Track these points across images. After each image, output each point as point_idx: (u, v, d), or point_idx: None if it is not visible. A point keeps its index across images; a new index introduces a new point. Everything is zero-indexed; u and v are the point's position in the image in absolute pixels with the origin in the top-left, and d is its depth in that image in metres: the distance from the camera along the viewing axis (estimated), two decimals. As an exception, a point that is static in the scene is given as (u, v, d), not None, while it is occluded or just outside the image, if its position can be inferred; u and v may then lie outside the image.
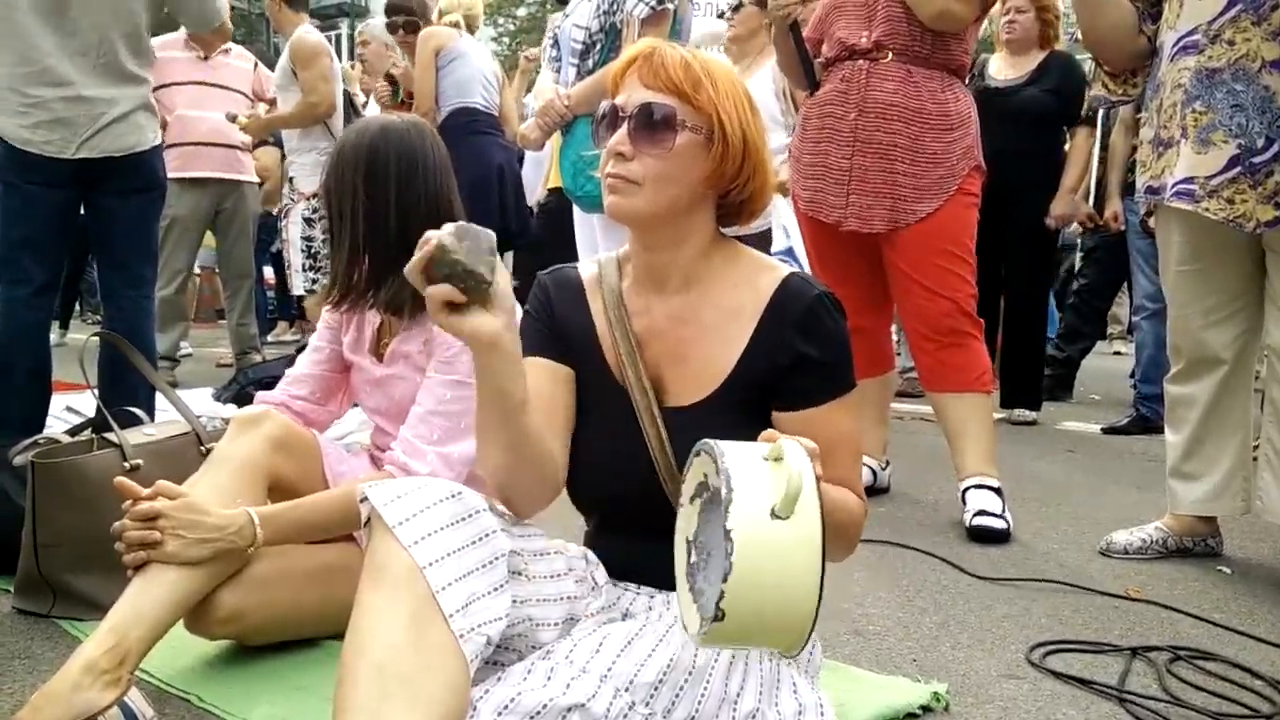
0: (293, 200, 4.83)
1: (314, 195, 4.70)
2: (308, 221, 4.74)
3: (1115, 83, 2.39)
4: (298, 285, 4.87)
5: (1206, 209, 2.10)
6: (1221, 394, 2.29)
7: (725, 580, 0.86)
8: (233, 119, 4.64)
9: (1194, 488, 2.35)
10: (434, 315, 1.04)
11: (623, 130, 1.19)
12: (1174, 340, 2.37)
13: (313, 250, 4.75)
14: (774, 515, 0.88)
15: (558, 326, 1.31)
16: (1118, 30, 2.30)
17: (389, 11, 4.66)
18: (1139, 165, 2.35)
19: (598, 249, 2.95)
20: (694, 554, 0.97)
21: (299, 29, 4.62)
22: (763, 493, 0.89)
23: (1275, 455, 2.17)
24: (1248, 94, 2.04)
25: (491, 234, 1.04)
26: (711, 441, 0.95)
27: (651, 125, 1.18)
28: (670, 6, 2.80)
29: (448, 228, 1.02)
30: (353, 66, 5.57)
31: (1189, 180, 2.12)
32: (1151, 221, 2.39)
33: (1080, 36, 2.40)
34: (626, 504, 1.27)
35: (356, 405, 1.97)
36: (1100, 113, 4.42)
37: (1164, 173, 2.20)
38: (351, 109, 4.83)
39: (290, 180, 4.87)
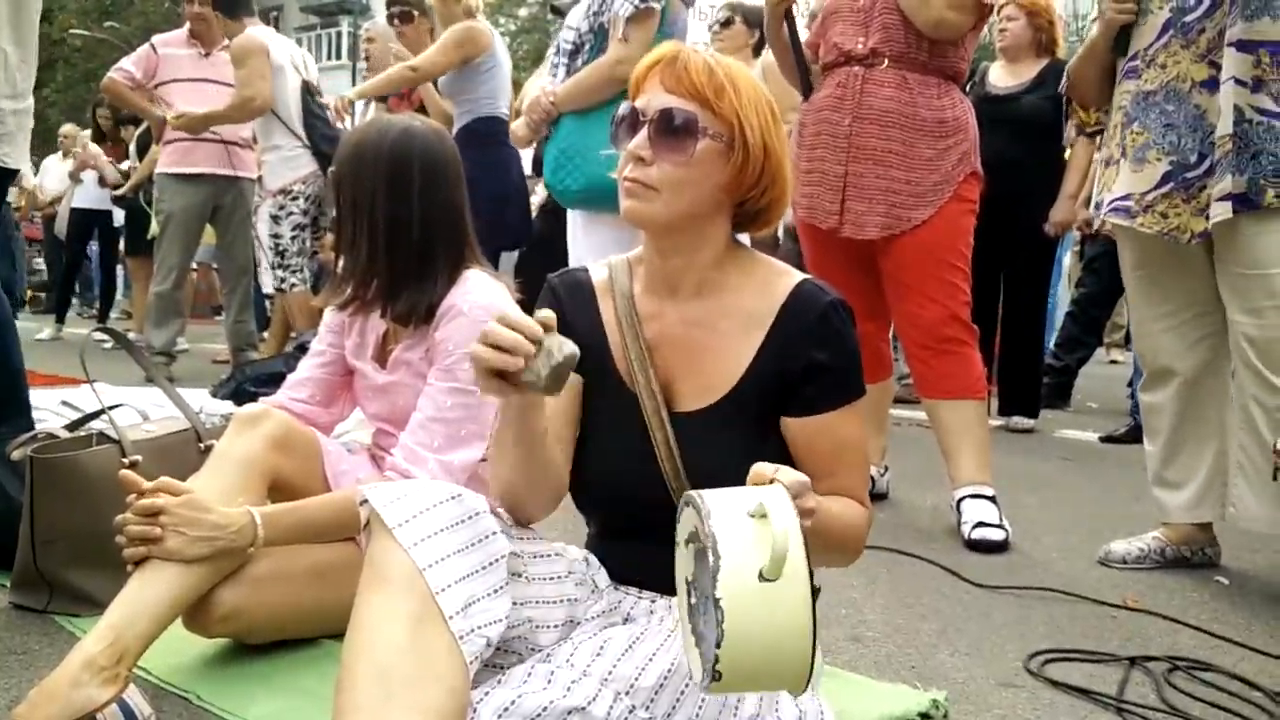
0: (260, 198, 4.82)
1: (280, 192, 4.70)
2: (274, 219, 4.72)
3: (1088, 114, 2.52)
4: (267, 284, 4.84)
5: (1142, 224, 2.21)
6: (1188, 401, 2.32)
7: (719, 646, 0.89)
8: (163, 121, 4.68)
9: (1176, 495, 2.37)
10: (479, 380, 1.06)
11: (643, 134, 1.18)
12: (1137, 347, 2.45)
13: (280, 248, 4.73)
14: (762, 578, 0.90)
15: (567, 332, 1.30)
16: (1104, 75, 2.39)
17: (390, 2, 4.65)
18: (1096, 182, 2.43)
19: (579, 244, 2.98)
20: (693, 595, 0.99)
21: (246, 30, 4.64)
22: (749, 555, 0.90)
23: (1248, 461, 2.19)
24: (1179, 113, 2.15)
25: (577, 352, 1.07)
26: (697, 494, 0.95)
27: (672, 131, 1.17)
28: (656, 6, 2.79)
29: (561, 352, 1.04)
30: (366, 59, 5.54)
31: (1126, 197, 2.24)
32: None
33: (1068, 75, 2.52)
34: (632, 508, 1.26)
35: (359, 406, 1.96)
36: None
37: (1103, 190, 2.32)
38: (313, 101, 4.78)
39: (259, 178, 4.86)
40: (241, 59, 4.55)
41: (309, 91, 4.75)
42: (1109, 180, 2.31)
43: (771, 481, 0.97)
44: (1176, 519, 2.39)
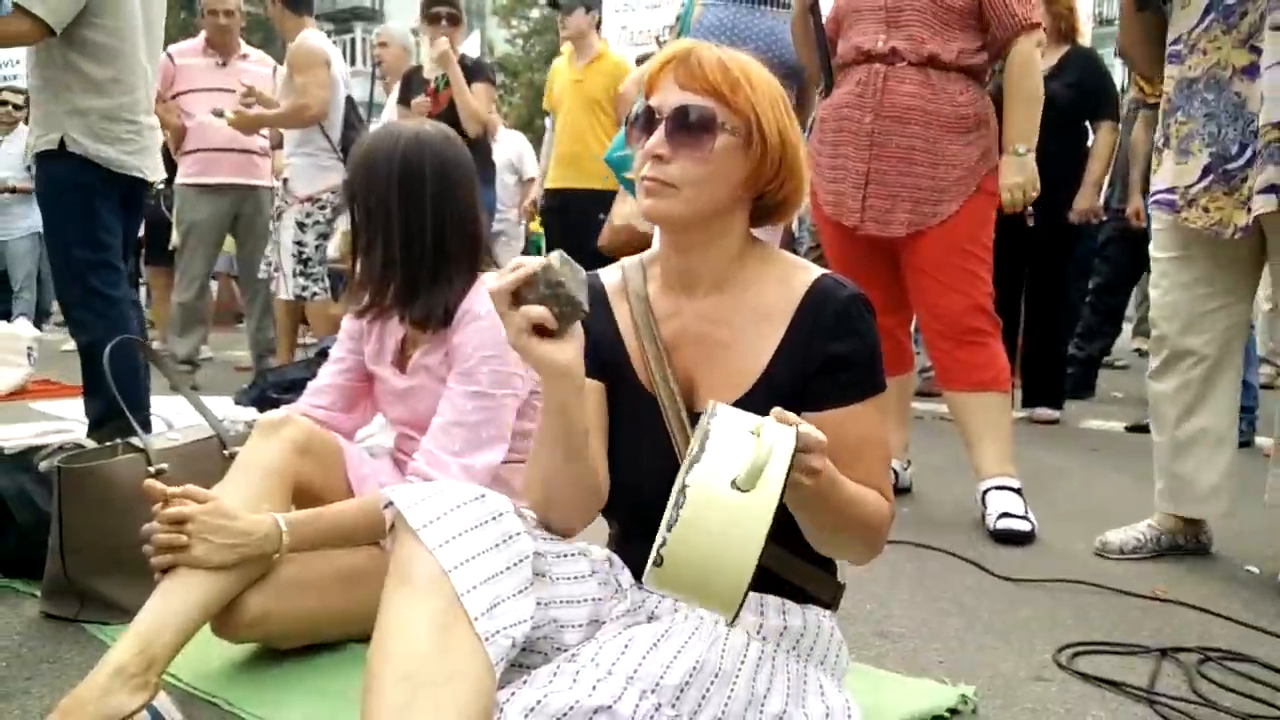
0: (286, 203, 4.79)
1: (308, 199, 4.70)
2: (300, 226, 4.70)
3: (1151, 85, 2.48)
4: (286, 291, 4.80)
5: (1186, 218, 2.17)
6: (1203, 391, 2.29)
7: (669, 529, 0.91)
8: (219, 114, 4.63)
9: (1187, 488, 2.33)
10: (514, 338, 1.07)
11: (659, 132, 1.17)
12: (1157, 331, 2.38)
13: (304, 256, 4.72)
14: (734, 485, 0.91)
15: (585, 339, 1.30)
16: (1150, 49, 2.35)
17: (430, 2, 4.63)
18: (1151, 168, 2.39)
19: None
20: (676, 500, 0.99)
21: (302, 33, 4.63)
22: (732, 460, 0.92)
23: None
24: (1219, 102, 2.10)
25: (583, 270, 1.09)
26: (715, 403, 0.98)
27: (689, 127, 1.16)
28: None
29: (555, 254, 1.06)
30: (378, 66, 5.55)
31: (1170, 190, 2.20)
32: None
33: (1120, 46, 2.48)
34: (653, 507, 1.25)
35: (381, 411, 1.97)
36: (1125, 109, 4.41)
37: (1154, 176, 2.30)
38: (354, 116, 4.82)
39: (284, 182, 4.83)
40: (302, 66, 4.54)
41: (352, 106, 4.79)
42: (1156, 167, 2.28)
43: (791, 425, 0.98)
44: (1191, 512, 2.35)
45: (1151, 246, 2.38)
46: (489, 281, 1.09)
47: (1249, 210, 2.05)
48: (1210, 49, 2.10)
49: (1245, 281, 2.21)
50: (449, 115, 4.45)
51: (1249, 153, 2.05)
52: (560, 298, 1.05)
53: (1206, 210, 2.12)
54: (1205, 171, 2.12)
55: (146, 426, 2.23)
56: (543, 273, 1.05)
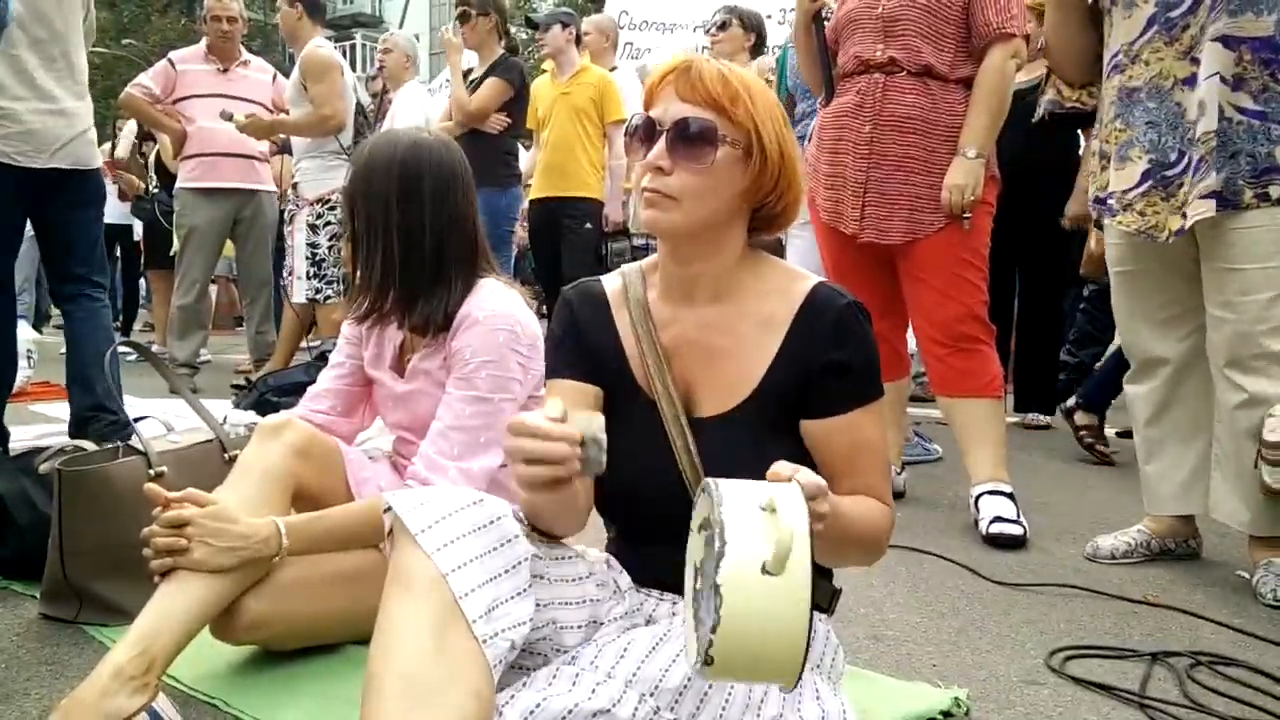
0: (297, 206, 4.82)
1: (318, 201, 4.72)
2: (312, 228, 4.73)
3: (1071, 90, 2.50)
4: (299, 293, 4.82)
5: (1121, 222, 2.22)
6: (1172, 394, 2.33)
7: (714, 631, 0.90)
8: (228, 118, 4.66)
9: (1162, 487, 2.38)
10: (529, 494, 1.08)
11: (660, 144, 1.19)
12: (1124, 340, 2.45)
13: (317, 258, 4.74)
14: (764, 570, 0.91)
15: (585, 344, 1.31)
16: (1082, 53, 2.41)
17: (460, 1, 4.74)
18: (1090, 175, 2.42)
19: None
20: (699, 580, 1.00)
21: (311, 42, 4.66)
22: (755, 547, 0.91)
23: (1223, 455, 2.19)
24: (1160, 111, 2.15)
25: (602, 419, 1.09)
26: (714, 483, 0.97)
27: (689, 140, 1.17)
28: None
29: (592, 429, 1.06)
30: (381, 69, 5.59)
31: (1109, 195, 2.25)
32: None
33: (1044, 49, 2.49)
34: (653, 513, 1.27)
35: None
36: None
37: (1094, 184, 2.34)
38: (364, 120, 4.86)
39: (294, 185, 4.86)
40: (319, 74, 4.59)
41: (360, 111, 4.83)
42: (1098, 174, 2.32)
43: (790, 480, 0.97)
44: (1163, 510, 2.39)
45: (1107, 259, 2.42)
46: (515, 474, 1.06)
47: (1184, 215, 2.10)
48: (1153, 60, 2.16)
49: (1191, 288, 2.23)
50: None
51: (1185, 160, 2.10)
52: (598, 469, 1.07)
53: (1143, 214, 2.18)
54: (1144, 177, 2.17)
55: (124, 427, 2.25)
56: (583, 449, 1.05)
